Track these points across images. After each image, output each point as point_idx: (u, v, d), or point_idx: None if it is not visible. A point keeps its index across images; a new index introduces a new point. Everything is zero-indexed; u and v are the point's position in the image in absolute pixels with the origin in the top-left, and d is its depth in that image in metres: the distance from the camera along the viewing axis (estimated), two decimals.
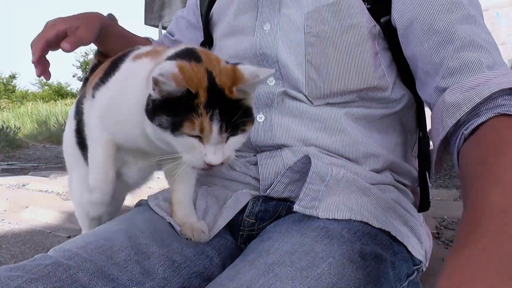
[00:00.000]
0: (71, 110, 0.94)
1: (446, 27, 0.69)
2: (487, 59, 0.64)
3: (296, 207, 0.69)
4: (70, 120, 0.95)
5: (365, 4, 0.78)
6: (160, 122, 0.61)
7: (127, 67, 0.75)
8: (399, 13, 0.76)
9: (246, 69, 0.64)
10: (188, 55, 0.65)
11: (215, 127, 0.60)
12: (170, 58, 0.66)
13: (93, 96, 0.78)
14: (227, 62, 0.67)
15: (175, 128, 0.60)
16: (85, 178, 0.92)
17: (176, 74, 0.58)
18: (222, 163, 0.64)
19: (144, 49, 0.77)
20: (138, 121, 0.66)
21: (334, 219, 0.68)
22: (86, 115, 0.85)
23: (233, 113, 0.62)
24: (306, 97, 0.79)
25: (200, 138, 0.61)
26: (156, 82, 0.58)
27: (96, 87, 0.79)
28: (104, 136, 0.76)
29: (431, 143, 0.88)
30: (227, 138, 0.63)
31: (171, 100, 0.60)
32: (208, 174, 0.89)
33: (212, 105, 0.60)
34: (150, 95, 0.62)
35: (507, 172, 0.46)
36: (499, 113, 0.56)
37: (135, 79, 0.69)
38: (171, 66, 0.60)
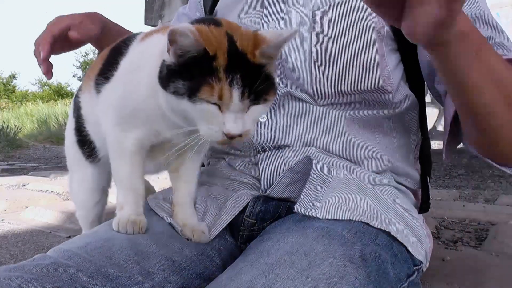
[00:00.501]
0: (70, 108, 0.94)
1: None
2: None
3: (296, 208, 0.69)
4: (69, 119, 0.94)
5: None
6: (176, 88, 0.58)
7: (137, 48, 0.72)
8: None
9: (268, 32, 0.61)
10: (206, 20, 0.62)
11: (236, 92, 0.57)
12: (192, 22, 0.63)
13: (98, 92, 0.76)
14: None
15: (192, 93, 0.57)
16: (86, 179, 0.91)
17: (194, 30, 0.55)
18: (241, 135, 0.60)
19: (152, 29, 0.74)
20: (157, 99, 0.62)
21: (335, 220, 0.68)
22: (84, 110, 0.84)
23: (255, 79, 0.58)
24: (311, 96, 0.79)
25: (219, 106, 0.58)
26: (172, 37, 0.55)
27: (100, 81, 0.76)
28: (127, 147, 0.72)
29: (432, 144, 0.88)
30: (249, 107, 0.60)
31: (188, 64, 0.57)
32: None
33: (232, 69, 0.56)
34: (164, 61, 0.59)
35: None
36: None
37: (149, 56, 0.65)
38: (188, 26, 0.56)
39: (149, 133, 0.70)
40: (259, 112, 0.61)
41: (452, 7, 0.49)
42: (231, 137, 0.59)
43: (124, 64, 0.72)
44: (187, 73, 0.57)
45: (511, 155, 0.72)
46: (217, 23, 0.61)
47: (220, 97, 0.56)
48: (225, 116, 0.58)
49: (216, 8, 0.97)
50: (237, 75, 0.56)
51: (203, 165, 0.96)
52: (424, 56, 0.80)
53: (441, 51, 0.58)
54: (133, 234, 0.70)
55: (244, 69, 0.57)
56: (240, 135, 0.60)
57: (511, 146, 0.70)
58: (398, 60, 0.82)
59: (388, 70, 0.80)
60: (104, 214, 1.00)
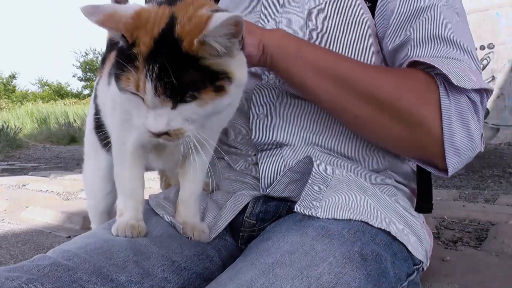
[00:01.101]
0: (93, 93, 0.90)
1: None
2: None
3: (297, 207, 0.69)
4: (90, 104, 0.92)
5: (366, 2, 0.79)
6: (112, 73, 0.55)
7: None
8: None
9: (219, 16, 0.51)
10: (170, 0, 0.56)
11: (149, 85, 0.50)
12: (148, 1, 0.59)
13: (109, 83, 0.74)
14: (216, 10, 0.54)
15: (116, 80, 0.53)
16: (100, 167, 0.88)
17: (108, 12, 0.51)
18: (168, 134, 0.54)
19: None
20: None
21: (335, 219, 0.68)
22: (99, 99, 0.81)
23: (182, 72, 0.50)
24: None
25: (143, 99, 0.53)
26: (84, 10, 0.51)
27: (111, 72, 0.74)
28: (128, 148, 0.70)
29: None
30: (175, 104, 0.53)
31: (119, 49, 0.54)
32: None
33: (153, 58, 0.50)
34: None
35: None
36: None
37: None
38: (125, 8, 0.53)
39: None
40: (191, 112, 0.54)
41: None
42: (156, 135, 0.54)
43: None
44: (117, 60, 0.54)
45: (402, 150, 0.78)
46: (173, 2, 0.55)
47: (137, 88, 0.51)
48: (148, 112, 0.53)
49: None
50: (155, 65, 0.50)
51: None
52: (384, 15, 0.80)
53: (271, 62, 0.70)
54: (132, 238, 0.69)
55: (170, 59, 0.50)
56: (166, 133, 0.54)
57: (386, 141, 0.76)
58: None
59: (384, 65, 0.80)
60: (114, 208, 0.98)
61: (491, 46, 5.72)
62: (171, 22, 0.51)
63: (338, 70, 0.71)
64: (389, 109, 0.70)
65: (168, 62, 0.50)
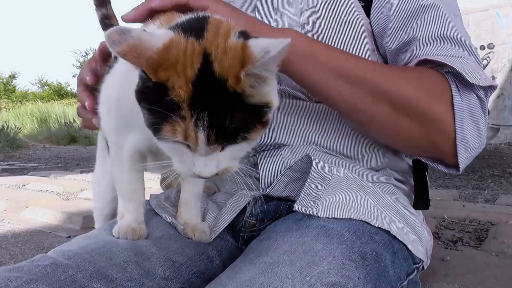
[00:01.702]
0: None
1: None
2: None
3: (296, 206, 0.69)
4: None
5: (360, 2, 0.79)
6: (144, 115, 0.49)
7: None
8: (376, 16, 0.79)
9: (257, 44, 0.48)
10: (193, 27, 0.51)
11: (202, 136, 0.47)
12: (173, 27, 0.52)
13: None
14: (243, 33, 0.51)
15: (155, 130, 0.49)
16: (109, 172, 0.84)
17: (136, 44, 0.45)
18: (217, 174, 0.52)
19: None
20: None
21: (334, 218, 0.68)
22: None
23: (232, 115, 0.47)
24: (305, 93, 0.79)
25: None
26: (108, 36, 0.46)
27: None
28: (125, 152, 0.68)
29: None
30: (223, 147, 0.50)
31: (149, 88, 0.48)
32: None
33: (199, 104, 0.46)
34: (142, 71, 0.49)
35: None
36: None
37: None
38: (154, 38, 0.47)
39: (144, 137, 0.64)
40: (240, 150, 0.52)
41: None
42: (203, 177, 0.52)
43: (120, 66, 0.67)
44: (149, 101, 0.48)
45: (413, 148, 0.77)
46: (200, 33, 0.49)
47: (185, 139, 0.48)
48: (195, 157, 0.50)
49: None
50: (204, 112, 0.46)
51: None
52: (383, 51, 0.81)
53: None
54: (132, 240, 0.69)
55: (217, 102, 0.46)
56: (217, 174, 0.52)
57: (399, 140, 0.75)
58: None
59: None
60: None
61: (491, 46, 5.72)
62: (206, 60, 0.47)
63: (354, 71, 0.70)
64: (404, 108, 0.70)
65: (216, 108, 0.46)
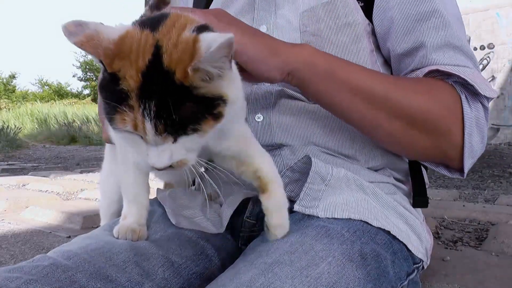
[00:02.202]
0: None
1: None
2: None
3: (296, 207, 0.69)
4: None
5: (359, 2, 0.79)
6: (103, 106, 0.49)
7: None
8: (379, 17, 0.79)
9: (205, 39, 0.48)
10: (151, 21, 0.51)
11: (149, 125, 0.47)
12: (134, 22, 0.53)
13: None
14: (200, 28, 0.50)
15: (110, 120, 0.49)
16: (114, 171, 0.84)
17: (93, 35, 0.46)
18: (172, 166, 0.52)
19: None
20: None
21: (334, 218, 0.68)
22: None
23: (180, 106, 0.47)
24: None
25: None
26: (65, 28, 0.47)
27: None
28: (132, 162, 0.68)
29: None
30: (175, 138, 0.50)
31: (105, 77, 0.48)
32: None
33: (147, 94, 0.46)
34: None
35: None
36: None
37: None
38: (110, 30, 0.48)
39: None
40: (193, 142, 0.52)
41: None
42: (158, 169, 0.52)
43: None
44: (105, 91, 0.49)
45: (422, 157, 0.79)
46: (155, 26, 0.50)
47: (135, 128, 0.48)
48: (148, 148, 0.50)
49: None
50: (151, 103, 0.46)
51: None
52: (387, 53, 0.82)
53: (297, 82, 0.68)
54: (132, 241, 0.69)
55: (165, 94, 0.46)
56: (171, 166, 0.52)
57: (411, 151, 0.78)
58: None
59: (378, 65, 0.81)
60: None
61: (491, 46, 5.73)
62: (157, 51, 0.47)
63: (372, 89, 0.70)
64: (419, 123, 0.71)
65: (163, 98, 0.46)
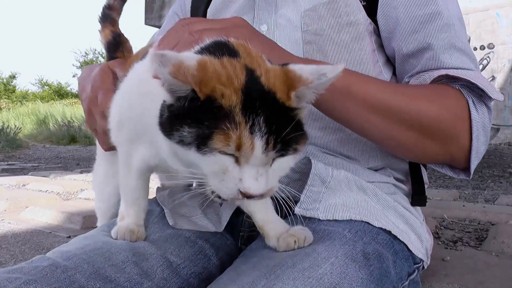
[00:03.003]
0: None
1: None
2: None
3: (297, 210, 0.69)
4: None
5: (361, 2, 0.79)
6: (181, 137, 0.46)
7: (139, 67, 0.65)
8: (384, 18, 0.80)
9: (303, 68, 0.49)
10: (219, 49, 0.50)
11: (258, 141, 0.45)
12: (197, 51, 0.52)
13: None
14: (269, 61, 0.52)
15: (202, 142, 0.45)
16: (116, 174, 0.86)
17: (177, 63, 0.44)
18: (262, 195, 0.48)
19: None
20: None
21: (335, 220, 0.68)
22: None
23: (285, 124, 0.46)
24: None
25: (235, 157, 0.46)
26: (153, 65, 0.45)
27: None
28: (134, 163, 0.67)
29: None
30: (274, 160, 0.48)
31: (193, 105, 0.46)
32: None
33: (253, 109, 0.44)
34: (164, 101, 0.48)
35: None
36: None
37: (148, 83, 0.54)
38: (188, 58, 0.46)
39: (155, 153, 0.62)
40: (287, 164, 0.51)
41: None
42: (249, 197, 0.48)
43: (127, 82, 0.67)
44: (194, 116, 0.46)
45: (431, 161, 0.80)
46: (233, 53, 0.49)
47: (239, 147, 0.45)
48: (244, 171, 0.47)
49: (206, 13, 0.96)
50: (260, 117, 0.44)
51: None
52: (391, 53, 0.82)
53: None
54: (130, 242, 0.69)
55: (270, 111, 0.45)
56: (261, 195, 0.48)
57: (421, 157, 0.79)
58: (388, 55, 0.84)
59: (380, 65, 0.81)
60: None
61: (491, 46, 5.72)
62: (251, 74, 0.47)
63: (388, 103, 0.70)
64: (432, 132, 0.72)
65: (272, 114, 0.45)
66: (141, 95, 0.60)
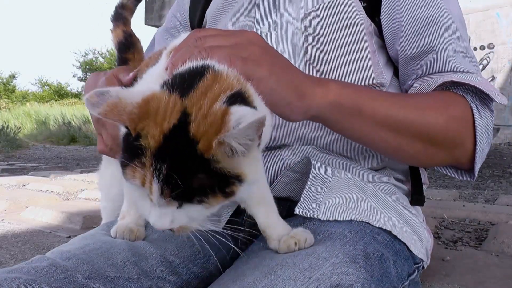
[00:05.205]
0: None
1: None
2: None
3: (297, 210, 0.69)
4: None
5: (361, 3, 0.79)
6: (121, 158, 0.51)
7: (152, 72, 0.66)
8: (388, 18, 0.80)
9: (236, 113, 0.47)
10: (182, 83, 0.51)
11: (155, 186, 0.47)
12: (162, 83, 0.53)
13: None
14: (233, 97, 0.49)
15: (123, 170, 0.50)
16: (121, 177, 0.86)
17: (116, 103, 0.47)
18: (172, 230, 0.52)
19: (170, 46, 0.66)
20: None
21: (336, 221, 0.68)
22: None
23: (190, 177, 0.46)
24: None
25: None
26: (86, 99, 0.47)
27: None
28: None
29: None
30: (181, 204, 0.49)
31: (127, 138, 0.49)
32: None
33: (162, 156, 0.46)
34: None
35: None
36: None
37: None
38: (132, 95, 0.49)
39: None
40: (198, 213, 0.50)
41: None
42: (158, 229, 0.51)
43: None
44: (124, 142, 0.50)
45: (436, 166, 0.80)
46: (186, 91, 0.49)
47: (142, 183, 0.48)
48: (152, 207, 0.50)
49: (206, 14, 0.95)
50: (163, 165, 0.46)
51: None
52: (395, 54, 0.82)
53: (321, 121, 0.69)
54: (129, 241, 0.69)
55: (180, 160, 0.46)
56: (172, 230, 0.52)
57: (428, 163, 0.81)
58: (388, 57, 0.84)
59: (380, 65, 0.81)
60: None
61: (491, 46, 5.73)
62: (184, 118, 0.47)
63: (397, 118, 0.71)
64: (439, 141, 0.74)
65: (177, 164, 0.46)
66: None
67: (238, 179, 0.49)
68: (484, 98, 0.74)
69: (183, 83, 0.51)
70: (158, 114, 0.48)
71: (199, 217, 0.52)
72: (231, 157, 0.48)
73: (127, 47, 0.93)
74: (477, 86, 0.73)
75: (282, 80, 0.62)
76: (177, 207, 0.50)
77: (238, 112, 0.47)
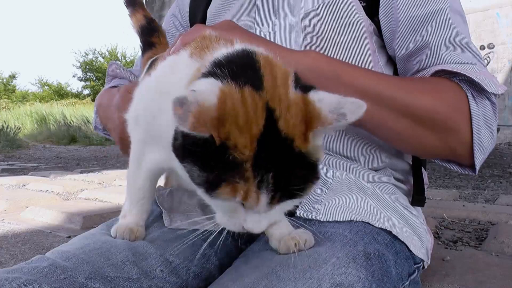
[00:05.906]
0: None
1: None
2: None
3: (298, 212, 0.69)
4: None
5: (361, 2, 0.79)
6: (192, 173, 0.45)
7: (161, 70, 0.63)
8: (386, 17, 0.80)
9: (323, 100, 0.45)
10: (243, 71, 0.46)
11: (264, 198, 0.45)
12: (212, 70, 0.47)
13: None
14: (297, 81, 0.47)
15: (210, 188, 0.45)
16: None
17: (199, 111, 0.40)
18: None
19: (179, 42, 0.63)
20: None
21: (336, 221, 0.68)
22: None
23: (295, 177, 0.45)
24: None
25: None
26: (175, 113, 0.41)
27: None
28: (146, 164, 0.67)
29: None
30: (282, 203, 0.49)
31: (202, 145, 0.43)
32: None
33: (264, 165, 0.43)
34: (177, 127, 0.45)
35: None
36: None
37: (167, 81, 0.53)
38: (208, 96, 0.42)
39: (167, 158, 0.59)
40: (290, 205, 0.51)
41: None
42: (255, 233, 0.51)
43: (146, 82, 0.66)
44: (203, 158, 0.44)
45: (432, 155, 0.79)
46: (257, 82, 0.44)
47: (245, 199, 0.44)
48: (248, 214, 0.48)
49: (207, 12, 0.95)
50: (268, 174, 0.43)
51: None
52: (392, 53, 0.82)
53: None
54: (129, 241, 0.69)
55: (282, 163, 0.43)
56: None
57: (421, 150, 0.78)
58: (388, 56, 0.84)
59: (381, 65, 0.81)
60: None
61: (491, 46, 5.73)
62: (270, 115, 0.43)
63: (378, 89, 0.70)
64: (426, 122, 0.72)
65: (282, 169, 0.43)
66: (157, 93, 0.58)
67: (319, 160, 0.48)
68: (482, 88, 0.73)
69: (242, 72, 0.46)
70: (239, 115, 0.42)
71: (287, 209, 0.51)
72: (318, 142, 0.47)
73: (152, 31, 0.91)
74: (467, 74, 0.71)
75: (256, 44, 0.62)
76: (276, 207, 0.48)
77: (325, 99, 0.45)
